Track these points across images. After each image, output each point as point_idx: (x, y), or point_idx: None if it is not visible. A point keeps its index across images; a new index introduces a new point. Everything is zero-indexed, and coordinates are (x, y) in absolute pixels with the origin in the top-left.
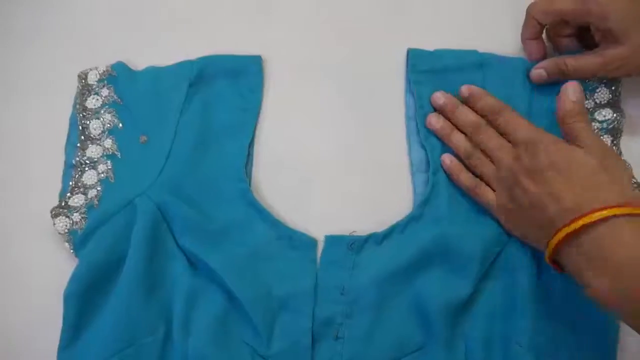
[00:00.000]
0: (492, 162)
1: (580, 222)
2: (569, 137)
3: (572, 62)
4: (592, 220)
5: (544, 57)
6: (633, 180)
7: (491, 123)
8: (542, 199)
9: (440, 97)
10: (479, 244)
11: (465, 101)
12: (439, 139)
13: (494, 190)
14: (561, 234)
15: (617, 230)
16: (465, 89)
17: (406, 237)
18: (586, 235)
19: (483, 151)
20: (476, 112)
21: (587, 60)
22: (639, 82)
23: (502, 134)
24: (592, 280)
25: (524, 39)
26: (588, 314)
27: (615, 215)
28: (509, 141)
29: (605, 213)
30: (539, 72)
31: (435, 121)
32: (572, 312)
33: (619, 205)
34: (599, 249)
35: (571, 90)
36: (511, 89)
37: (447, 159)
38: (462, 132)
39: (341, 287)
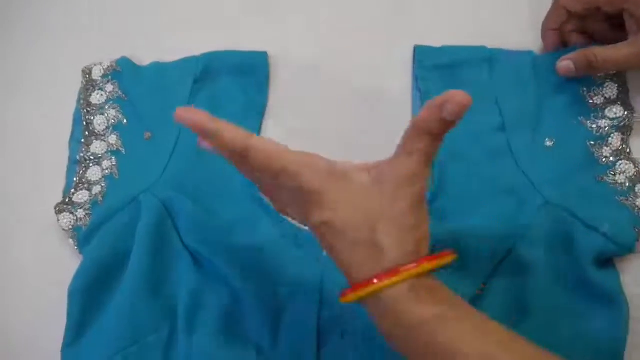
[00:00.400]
0: None
1: (360, 293)
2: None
3: (602, 53)
4: (372, 290)
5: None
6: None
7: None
8: (327, 249)
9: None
10: (487, 241)
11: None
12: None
13: None
14: (346, 300)
15: (389, 306)
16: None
17: None
18: (369, 302)
19: None
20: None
21: (619, 51)
22: None
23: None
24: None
25: (545, 29)
26: (597, 314)
27: (386, 287)
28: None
29: (372, 289)
30: (566, 64)
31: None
32: (581, 312)
33: (390, 274)
34: (376, 319)
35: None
36: (520, 82)
37: None
38: None
39: (346, 285)
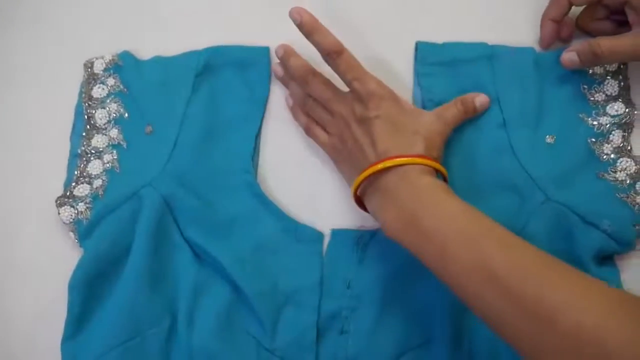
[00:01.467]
0: (327, 109)
1: (381, 165)
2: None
3: (607, 43)
4: (391, 164)
5: (552, 43)
6: None
7: (331, 63)
8: (363, 143)
9: (279, 49)
10: None
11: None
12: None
13: (328, 133)
14: (365, 173)
15: (407, 174)
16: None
17: None
18: (384, 177)
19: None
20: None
21: (624, 41)
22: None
23: (341, 75)
24: (382, 215)
25: (545, 19)
26: None
27: (410, 164)
28: (348, 84)
29: (403, 160)
30: (570, 55)
31: (278, 70)
32: None
33: (418, 156)
34: (390, 187)
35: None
36: (522, 80)
37: (289, 100)
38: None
39: (347, 281)
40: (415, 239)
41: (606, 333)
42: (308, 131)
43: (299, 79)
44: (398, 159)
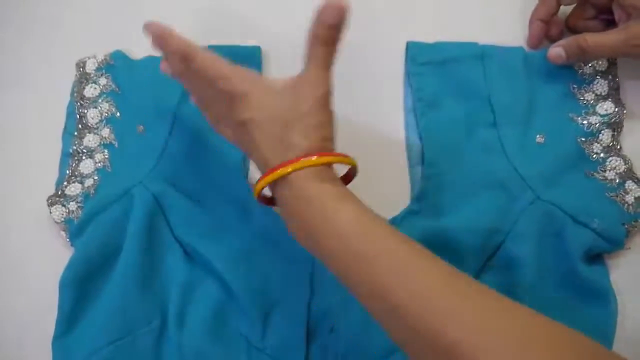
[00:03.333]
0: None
1: (261, 184)
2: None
3: (593, 38)
4: (271, 179)
5: (540, 43)
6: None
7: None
8: (249, 146)
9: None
10: (477, 236)
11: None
12: (436, 130)
13: None
14: (259, 185)
15: (292, 186)
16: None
17: (402, 231)
18: (276, 189)
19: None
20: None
21: (609, 37)
22: (633, 75)
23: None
24: (288, 227)
25: (533, 19)
26: (586, 309)
27: (290, 172)
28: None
29: (280, 173)
30: (557, 50)
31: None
32: (570, 307)
33: (296, 160)
34: (283, 201)
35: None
36: (512, 79)
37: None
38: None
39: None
40: (320, 258)
41: None
42: (215, 129)
43: (180, 67)
44: (275, 173)
